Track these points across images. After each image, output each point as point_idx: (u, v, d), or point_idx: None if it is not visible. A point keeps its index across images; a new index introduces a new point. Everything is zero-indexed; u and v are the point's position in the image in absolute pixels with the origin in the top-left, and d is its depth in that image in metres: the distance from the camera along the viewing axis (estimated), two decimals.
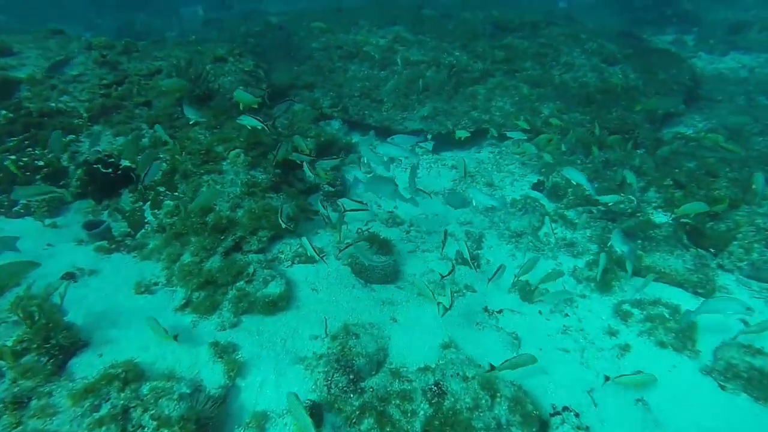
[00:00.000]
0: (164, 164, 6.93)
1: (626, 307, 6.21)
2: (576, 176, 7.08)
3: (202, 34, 14.12)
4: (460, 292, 6.59)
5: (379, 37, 13.25)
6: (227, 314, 5.54)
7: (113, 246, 6.37)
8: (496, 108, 11.38)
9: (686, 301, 6.17)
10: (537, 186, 9.09)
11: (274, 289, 5.95)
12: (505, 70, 12.39)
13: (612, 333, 5.89)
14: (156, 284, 5.96)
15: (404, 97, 11.47)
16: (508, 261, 7.39)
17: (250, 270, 6.05)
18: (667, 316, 5.88)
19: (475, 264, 7.22)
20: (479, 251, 7.59)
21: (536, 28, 14.42)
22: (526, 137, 9.02)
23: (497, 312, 6.27)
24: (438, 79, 11.85)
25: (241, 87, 8.51)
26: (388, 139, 8.22)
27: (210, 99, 8.27)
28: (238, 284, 5.85)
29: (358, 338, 5.41)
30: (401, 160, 10.23)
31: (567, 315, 6.23)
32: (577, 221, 8.08)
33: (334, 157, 8.23)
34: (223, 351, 4.98)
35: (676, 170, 8.43)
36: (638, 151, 9.77)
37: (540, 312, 6.29)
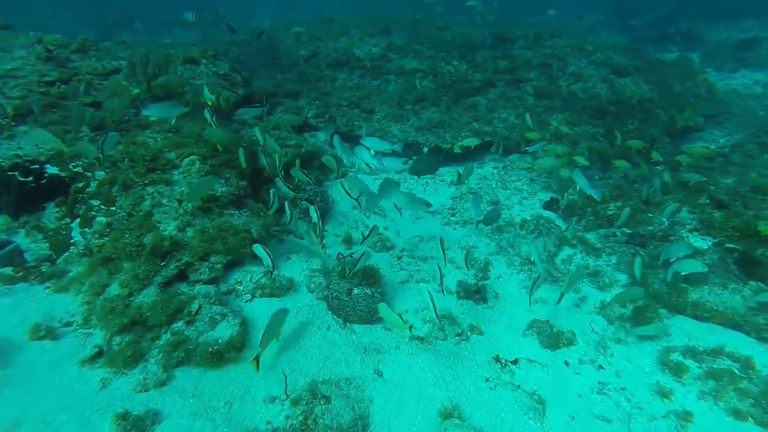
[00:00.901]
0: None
1: (676, 356, 4.73)
2: (580, 181, 6.05)
3: (183, 40, 12.84)
4: (463, 335, 5.10)
5: (372, 45, 12.01)
6: (154, 367, 4.04)
7: (20, 273, 4.88)
8: (500, 119, 10.05)
9: (756, 352, 4.70)
10: (550, 205, 7.68)
11: (224, 331, 4.47)
12: (508, 80, 11.12)
13: (663, 394, 4.38)
14: (68, 325, 4.46)
15: (397, 106, 10.14)
16: (520, 294, 5.93)
17: (194, 306, 4.56)
18: (737, 372, 4.39)
19: (481, 298, 5.76)
20: (485, 282, 6.12)
21: (539, 39, 13.24)
22: (543, 149, 7.65)
23: (512, 363, 4.76)
24: (435, 89, 10.56)
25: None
26: (362, 142, 6.90)
27: (170, 99, 6.89)
28: (175, 326, 4.36)
29: (329, 403, 3.90)
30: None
31: (601, 367, 4.73)
32: (600, 246, 6.65)
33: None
34: (135, 425, 3.46)
35: (712, 187, 7.04)
36: (658, 167, 8.41)
37: (567, 363, 4.79)
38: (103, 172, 5.66)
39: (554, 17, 18.32)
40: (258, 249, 4.83)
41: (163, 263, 4.83)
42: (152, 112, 5.95)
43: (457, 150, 8.55)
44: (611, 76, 11.30)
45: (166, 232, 5.09)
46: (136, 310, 4.32)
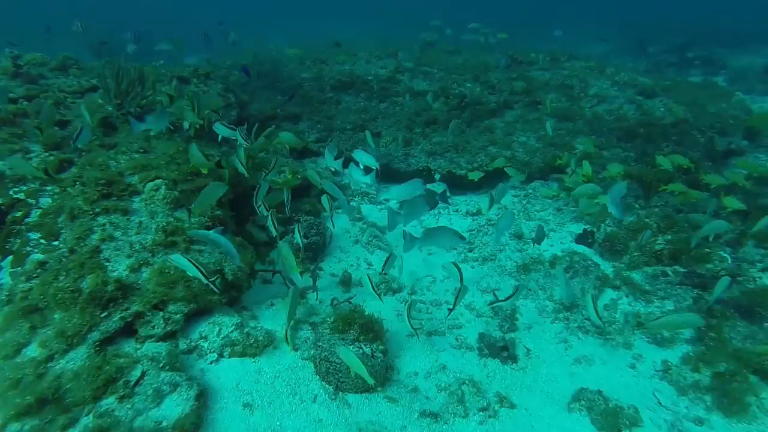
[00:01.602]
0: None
1: None
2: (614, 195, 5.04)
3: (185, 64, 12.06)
4: (489, 410, 3.84)
5: (379, 67, 11.11)
6: None
7: None
8: (519, 143, 8.96)
9: None
10: (583, 238, 6.45)
11: (172, 409, 3.29)
12: (526, 102, 10.09)
13: None
14: None
15: (407, 130, 9.11)
16: (557, 349, 4.68)
17: (135, 374, 3.40)
18: None
19: (509, 356, 4.51)
20: (513, 334, 4.89)
21: (556, 61, 12.28)
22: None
23: None
24: (447, 111, 9.55)
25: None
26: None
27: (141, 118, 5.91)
28: (103, 403, 3.19)
29: None
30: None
31: None
32: (649, 288, 5.39)
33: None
34: None
35: None
36: (704, 193, 7.17)
37: None
38: (50, 200, 4.62)
39: (560, 38, 17.41)
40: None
41: (103, 314, 3.70)
42: (152, 125, 5.04)
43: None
44: (638, 97, 10.21)
45: (115, 273, 3.98)
46: (51, 383, 3.16)
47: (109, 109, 6.08)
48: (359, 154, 5.71)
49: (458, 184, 8.40)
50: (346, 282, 5.50)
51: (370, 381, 3.57)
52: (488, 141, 8.93)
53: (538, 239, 5.69)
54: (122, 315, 3.74)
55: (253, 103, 9.54)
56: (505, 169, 7.65)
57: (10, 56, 7.36)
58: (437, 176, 8.41)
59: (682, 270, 5.50)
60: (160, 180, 4.66)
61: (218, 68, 11.09)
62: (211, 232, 3.98)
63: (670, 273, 5.54)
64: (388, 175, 8.69)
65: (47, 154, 5.15)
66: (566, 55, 12.43)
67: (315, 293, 5.13)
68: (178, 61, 8.60)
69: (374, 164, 5.59)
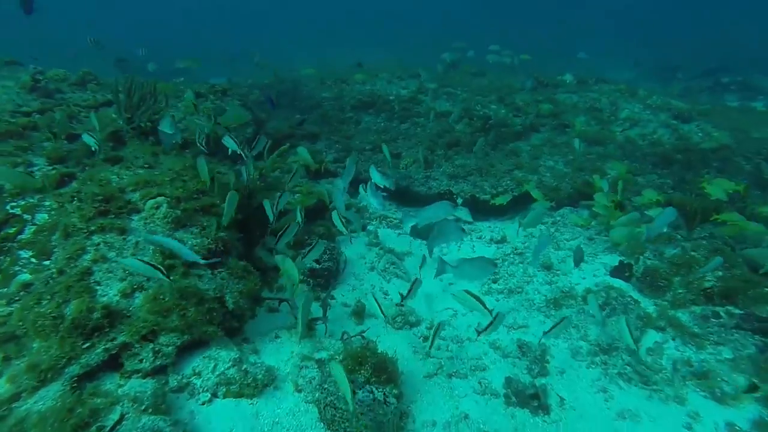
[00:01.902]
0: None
1: None
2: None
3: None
4: None
5: (401, 87, 10.81)
6: None
7: None
8: (546, 168, 8.45)
9: None
10: (619, 271, 5.84)
11: None
12: (553, 125, 9.61)
13: None
14: None
15: (429, 151, 8.69)
16: (595, 399, 4.07)
17: (112, 417, 2.96)
18: None
19: (540, 406, 3.93)
20: (544, 379, 4.31)
21: (584, 84, 11.80)
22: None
23: None
24: (471, 132, 9.13)
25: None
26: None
27: (155, 134, 5.64)
28: None
29: None
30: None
31: None
32: (699, 331, 4.76)
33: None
34: None
35: None
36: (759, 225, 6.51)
37: None
38: (46, 215, 4.30)
39: (584, 60, 16.90)
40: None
41: (86, 344, 3.29)
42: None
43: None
44: (673, 122, 9.62)
45: (104, 298, 3.59)
46: (11, 429, 2.74)
47: (120, 123, 5.82)
48: (373, 172, 5.36)
49: (481, 210, 7.91)
50: (359, 313, 5.01)
51: (351, 407, 3.04)
52: (513, 164, 8.45)
53: (577, 261, 5.17)
54: (107, 346, 3.33)
55: (270, 121, 9.28)
56: (531, 193, 7.15)
57: (33, 72, 7.25)
58: (459, 200, 7.93)
59: (737, 311, 4.85)
60: (162, 197, 4.30)
61: (239, 87, 10.96)
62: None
63: (722, 314, 4.89)
64: (407, 198, 8.25)
65: (50, 167, 4.87)
66: (594, 78, 11.95)
67: (324, 325, 4.65)
68: (198, 78, 8.43)
69: (386, 183, 5.26)
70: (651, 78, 20.91)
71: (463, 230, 4.77)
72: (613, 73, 18.73)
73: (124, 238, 4.00)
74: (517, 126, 9.47)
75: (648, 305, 5.22)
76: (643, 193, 6.90)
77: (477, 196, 7.88)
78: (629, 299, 5.16)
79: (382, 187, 5.48)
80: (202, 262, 3.80)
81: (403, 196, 8.30)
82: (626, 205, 7.47)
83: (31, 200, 4.48)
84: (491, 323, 3.96)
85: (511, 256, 6.56)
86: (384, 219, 7.57)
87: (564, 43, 24.86)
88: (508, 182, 8.07)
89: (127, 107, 5.52)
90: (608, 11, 46.55)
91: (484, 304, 4.01)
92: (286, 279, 4.25)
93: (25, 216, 4.31)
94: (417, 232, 6.94)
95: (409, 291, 4.43)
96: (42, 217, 4.33)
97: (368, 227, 7.15)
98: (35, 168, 4.85)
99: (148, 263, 3.28)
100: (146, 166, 4.86)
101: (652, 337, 4.72)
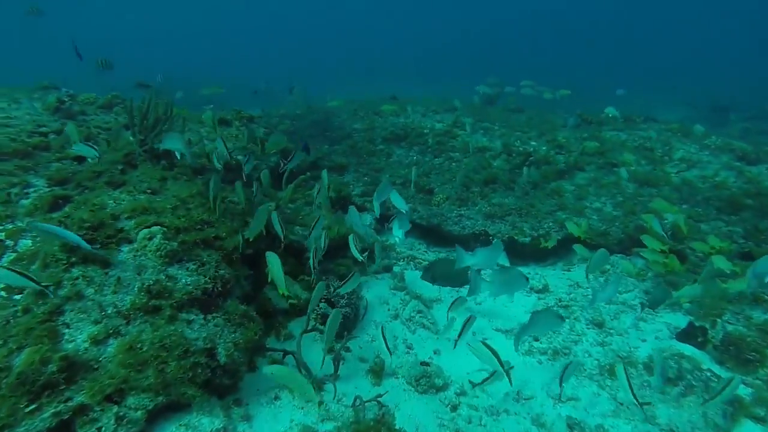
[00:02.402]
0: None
1: None
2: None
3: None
4: None
5: (436, 121, 10.24)
6: None
7: None
8: (592, 210, 7.56)
9: None
10: (689, 335, 4.85)
11: None
12: (599, 163, 8.75)
13: None
14: None
15: (463, 188, 7.98)
16: None
17: None
18: None
19: None
20: None
21: (631, 122, 10.92)
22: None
23: None
24: (509, 169, 8.39)
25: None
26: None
27: (167, 157, 5.18)
28: None
29: None
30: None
31: None
32: None
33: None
34: None
35: None
36: None
37: None
38: (30, 242, 3.79)
39: (624, 97, 15.88)
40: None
41: (31, 407, 2.65)
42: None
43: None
44: (737, 163, 8.59)
45: (70, 345, 2.97)
46: None
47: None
48: (395, 197, 4.89)
49: (520, 254, 7.07)
50: (377, 372, 4.23)
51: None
52: (556, 205, 7.61)
53: (654, 304, 4.31)
54: (58, 409, 2.68)
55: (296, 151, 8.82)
56: (570, 228, 6.34)
57: (64, 94, 7.07)
58: (496, 241, 7.11)
59: None
60: (158, 227, 3.73)
61: (270, 116, 10.69)
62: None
63: None
64: (438, 237, 7.51)
65: (48, 189, 4.43)
66: (642, 117, 11.06)
67: (333, 385, 3.88)
68: (226, 105, 8.13)
69: (402, 206, 5.14)
70: (699, 119, 19.70)
71: (527, 279, 4.15)
72: (657, 112, 17.71)
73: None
74: (560, 164, 8.66)
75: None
76: (708, 240, 5.95)
77: (516, 238, 7.05)
78: (708, 374, 4.17)
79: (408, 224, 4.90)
80: (88, 247, 3.37)
81: (433, 236, 7.57)
82: (687, 253, 6.50)
83: (20, 224, 4.00)
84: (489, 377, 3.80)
85: (555, 308, 5.67)
86: (412, 260, 6.83)
87: (600, 79, 24.00)
88: (551, 224, 7.22)
89: (141, 129, 5.09)
90: (648, 48, 45.88)
91: (499, 360, 3.39)
92: (273, 278, 3.67)
93: (8, 242, 3.82)
94: (433, 276, 6.07)
95: (463, 328, 4.08)
96: (25, 244, 3.83)
97: (394, 268, 6.42)
98: (32, 189, 4.41)
99: (19, 272, 2.80)
100: (149, 191, 4.35)
101: (746, 427, 3.71)
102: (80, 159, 5.22)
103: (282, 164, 5.67)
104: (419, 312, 5.38)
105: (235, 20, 55.90)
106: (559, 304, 5.76)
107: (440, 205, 7.74)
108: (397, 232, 4.79)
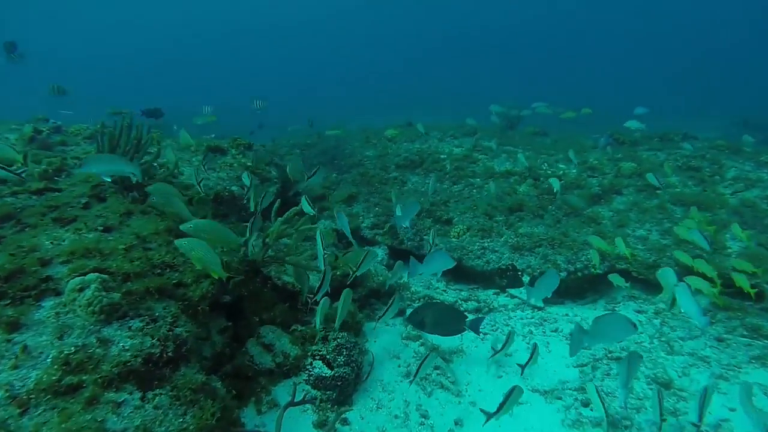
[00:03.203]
0: None
1: None
2: None
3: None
4: None
5: (454, 146, 9.36)
6: None
7: None
8: (636, 238, 6.44)
9: None
10: None
11: None
12: (638, 186, 7.64)
13: None
14: None
15: (486, 217, 6.98)
16: None
17: None
18: None
19: None
20: None
21: (667, 140, 9.80)
22: None
23: None
24: (537, 195, 7.38)
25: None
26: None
27: (140, 187, 4.40)
28: None
29: None
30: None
31: None
32: None
33: None
34: None
35: None
36: None
37: None
38: None
39: (646, 116, 14.61)
40: None
41: None
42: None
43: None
44: None
45: None
46: None
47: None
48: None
49: (555, 291, 5.94)
50: None
51: None
52: (594, 234, 6.51)
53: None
54: None
55: (301, 181, 8.05)
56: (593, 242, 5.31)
57: (50, 126, 6.51)
58: (526, 278, 6.05)
59: None
60: (95, 274, 2.87)
61: (280, 146, 10.04)
62: None
63: None
64: (459, 273, 6.50)
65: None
66: (681, 134, 9.93)
67: None
68: (228, 134, 7.47)
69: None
70: (737, 136, 18.24)
71: (635, 326, 3.15)
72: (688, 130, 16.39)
73: (9, 340, 2.54)
74: (595, 188, 7.59)
75: None
76: None
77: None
78: None
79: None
80: None
81: (453, 272, 6.54)
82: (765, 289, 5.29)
83: None
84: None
85: (604, 362, 4.53)
86: (430, 300, 5.80)
87: (612, 97, 22.76)
88: (589, 256, 6.12)
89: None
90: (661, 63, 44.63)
91: None
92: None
93: None
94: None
95: (530, 359, 3.59)
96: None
97: (407, 311, 5.41)
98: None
99: None
100: (100, 228, 3.53)
101: None
102: (41, 191, 4.49)
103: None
104: (436, 368, 4.33)
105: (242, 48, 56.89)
106: (610, 356, 4.62)
107: (460, 236, 6.75)
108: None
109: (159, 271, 3.30)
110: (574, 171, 8.22)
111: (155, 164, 5.24)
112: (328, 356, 3.86)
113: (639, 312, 5.57)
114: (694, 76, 36.94)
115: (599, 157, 8.65)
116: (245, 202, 5.76)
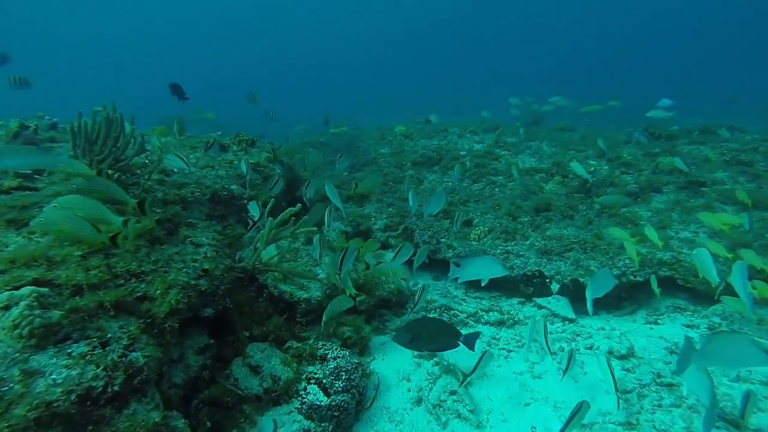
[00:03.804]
0: None
1: None
2: None
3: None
4: None
5: (474, 142, 8.66)
6: None
7: None
8: (681, 241, 5.62)
9: None
10: None
11: None
12: (680, 183, 6.79)
13: None
14: None
15: (509, 218, 6.27)
16: None
17: None
18: None
19: None
20: None
21: (709, 133, 8.85)
22: None
23: None
24: (566, 194, 6.62)
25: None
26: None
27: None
28: None
29: None
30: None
31: None
32: None
33: None
34: None
35: None
36: None
37: None
38: None
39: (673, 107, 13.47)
40: None
41: None
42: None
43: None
44: None
45: None
46: None
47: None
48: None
49: (583, 297, 5.20)
50: None
51: None
52: (632, 236, 5.72)
53: None
54: None
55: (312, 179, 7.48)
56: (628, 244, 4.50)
57: (34, 123, 6.13)
58: (555, 287, 5.32)
59: None
60: (30, 288, 2.32)
61: (295, 144, 9.55)
62: None
63: None
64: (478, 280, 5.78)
65: None
66: (726, 126, 8.95)
67: None
68: (231, 132, 6.96)
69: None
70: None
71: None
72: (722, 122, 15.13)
73: None
74: (630, 185, 6.78)
75: None
76: None
77: (581, 280, 5.23)
78: None
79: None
80: None
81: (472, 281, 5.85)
82: None
83: None
84: None
85: (653, 388, 3.78)
86: (446, 311, 5.13)
87: (640, 92, 21.48)
88: (627, 261, 5.35)
89: (86, 152, 3.85)
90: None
91: None
92: None
93: None
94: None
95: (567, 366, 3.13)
96: None
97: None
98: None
99: None
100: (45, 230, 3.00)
101: None
102: (25, 189, 4.02)
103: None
104: (452, 393, 3.67)
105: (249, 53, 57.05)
106: (657, 380, 3.86)
107: (481, 239, 6.05)
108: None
109: (121, 281, 2.75)
110: (606, 167, 7.41)
111: (148, 161, 4.76)
112: (324, 380, 3.24)
113: (689, 327, 4.78)
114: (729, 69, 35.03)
115: (633, 152, 7.81)
116: (245, 201, 5.24)
